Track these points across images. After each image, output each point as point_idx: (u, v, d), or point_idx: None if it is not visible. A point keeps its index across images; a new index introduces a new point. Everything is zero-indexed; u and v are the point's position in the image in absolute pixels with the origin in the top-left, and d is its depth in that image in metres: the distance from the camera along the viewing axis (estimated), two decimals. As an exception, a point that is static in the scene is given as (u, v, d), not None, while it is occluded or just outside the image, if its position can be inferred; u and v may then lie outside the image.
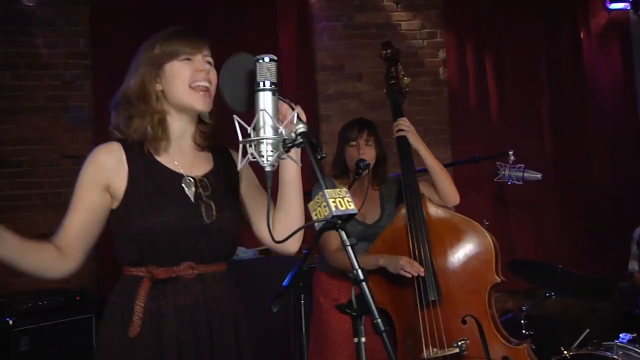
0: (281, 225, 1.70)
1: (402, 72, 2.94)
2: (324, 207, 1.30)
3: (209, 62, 1.72)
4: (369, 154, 2.80)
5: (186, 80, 1.68)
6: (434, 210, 2.74)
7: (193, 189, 1.70)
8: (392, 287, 2.67)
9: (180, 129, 1.75)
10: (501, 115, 4.77)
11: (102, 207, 1.67)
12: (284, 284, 2.16)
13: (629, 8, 4.89)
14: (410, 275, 2.56)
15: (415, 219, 2.66)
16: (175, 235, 1.63)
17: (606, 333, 3.33)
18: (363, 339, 1.31)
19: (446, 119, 4.74)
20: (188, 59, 1.69)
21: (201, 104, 1.69)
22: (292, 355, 2.01)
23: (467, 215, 2.77)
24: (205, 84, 1.69)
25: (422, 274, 2.58)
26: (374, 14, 4.76)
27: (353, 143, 2.83)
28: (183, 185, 1.69)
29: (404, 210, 2.72)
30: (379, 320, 1.21)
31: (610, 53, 4.95)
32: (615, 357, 2.88)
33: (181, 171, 1.71)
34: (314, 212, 1.32)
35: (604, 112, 4.88)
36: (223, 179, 1.78)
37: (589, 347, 3.04)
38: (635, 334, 3.13)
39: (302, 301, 2.15)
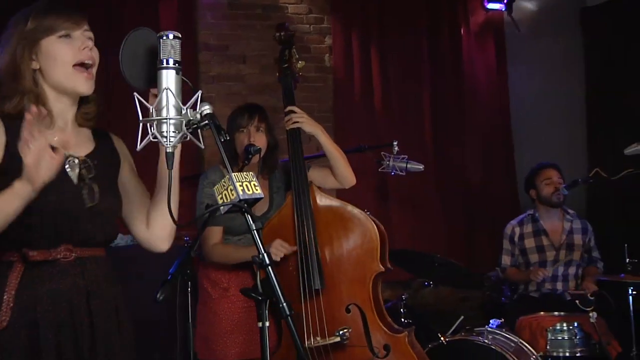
0: (157, 222, 1.76)
1: (296, 56, 2.98)
2: (231, 190, 1.35)
3: (90, 38, 1.68)
4: (259, 141, 2.83)
5: (69, 60, 1.64)
6: (321, 199, 2.83)
7: (77, 170, 1.67)
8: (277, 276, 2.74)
9: (60, 110, 1.70)
10: (385, 106, 4.94)
11: None
12: (170, 270, 2.16)
13: (504, 9, 5.28)
14: (279, 259, 2.63)
15: (302, 207, 2.74)
16: (55, 217, 1.61)
17: (476, 320, 3.66)
18: (267, 323, 1.38)
19: (330, 107, 4.86)
20: (67, 36, 1.64)
21: (84, 86, 1.66)
22: (175, 344, 2.01)
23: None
24: (90, 62, 1.66)
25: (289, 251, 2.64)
26: (261, -6, 4.75)
27: (243, 130, 2.85)
28: (67, 165, 1.66)
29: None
30: (285, 304, 1.29)
31: (487, 51, 5.30)
32: (485, 341, 3.19)
33: (63, 150, 1.66)
34: (220, 196, 1.37)
35: (479, 109, 5.21)
36: (104, 162, 1.76)
37: (462, 333, 3.33)
38: (502, 320, 3.49)
39: (189, 289, 2.17)
